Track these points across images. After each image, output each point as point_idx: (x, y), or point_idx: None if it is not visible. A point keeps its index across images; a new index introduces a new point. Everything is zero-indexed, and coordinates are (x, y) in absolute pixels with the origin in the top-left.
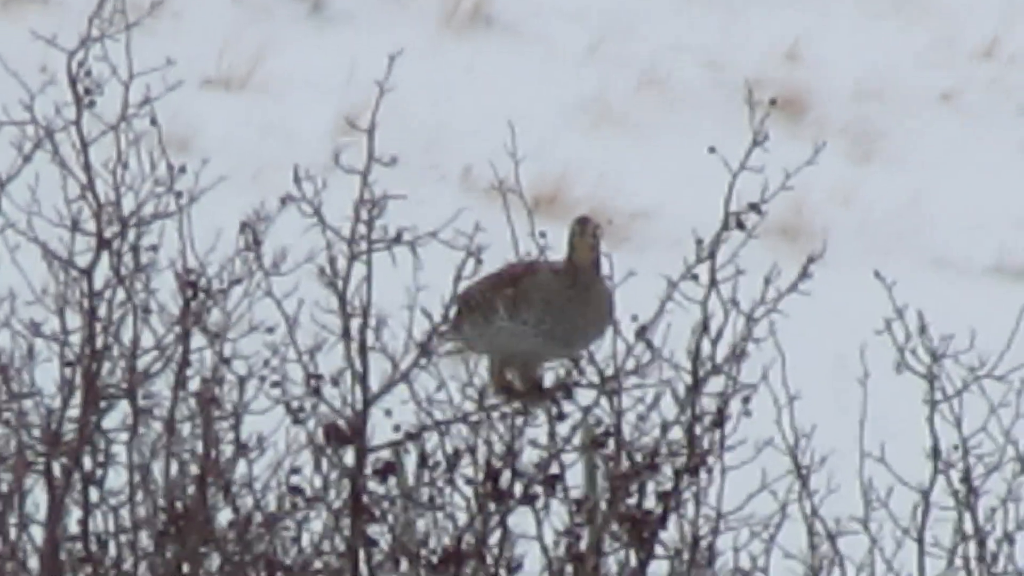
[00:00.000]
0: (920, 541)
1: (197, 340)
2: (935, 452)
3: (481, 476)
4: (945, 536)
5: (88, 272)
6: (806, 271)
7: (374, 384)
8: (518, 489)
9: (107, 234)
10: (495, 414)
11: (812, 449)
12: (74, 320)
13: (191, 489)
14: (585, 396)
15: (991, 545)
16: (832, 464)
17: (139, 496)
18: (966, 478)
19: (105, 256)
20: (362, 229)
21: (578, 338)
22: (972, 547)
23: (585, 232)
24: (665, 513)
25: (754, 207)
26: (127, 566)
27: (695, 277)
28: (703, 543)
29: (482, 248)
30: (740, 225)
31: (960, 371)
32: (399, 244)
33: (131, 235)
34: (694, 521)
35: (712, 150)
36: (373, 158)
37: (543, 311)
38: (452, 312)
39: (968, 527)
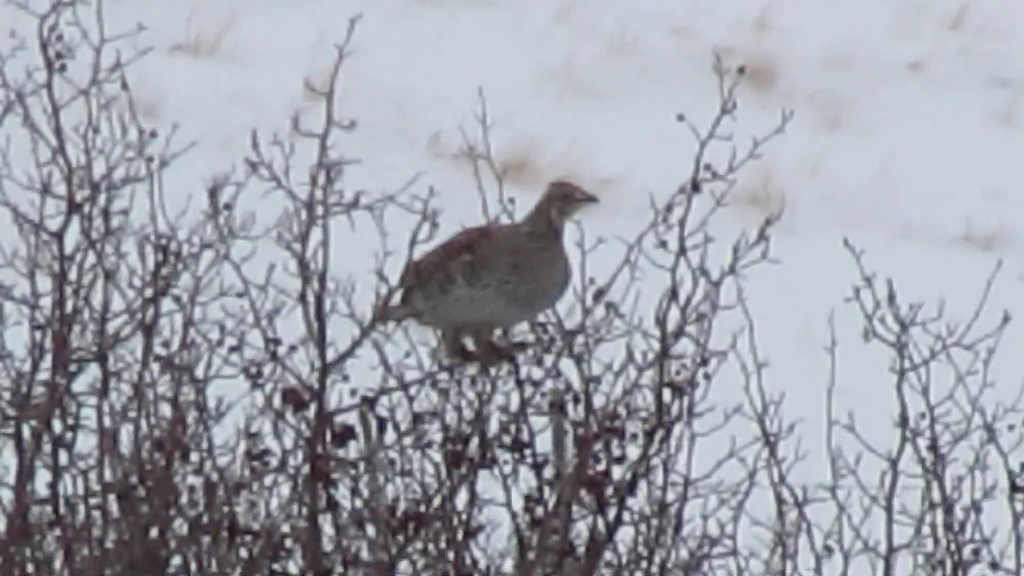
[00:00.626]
0: (888, 509)
1: (167, 304)
2: (903, 420)
3: (445, 441)
4: (913, 504)
5: (59, 236)
6: (763, 233)
7: (341, 349)
8: (482, 453)
9: (78, 198)
10: (462, 378)
11: (780, 417)
12: (45, 284)
13: (156, 454)
14: (552, 361)
15: (958, 513)
16: (800, 432)
17: (107, 460)
18: (933, 446)
19: (76, 220)
20: (319, 194)
21: (541, 298)
22: (939, 515)
23: (575, 198)
24: (634, 479)
25: (709, 169)
26: (96, 530)
27: (663, 244)
28: (671, 510)
29: (438, 212)
30: (696, 187)
31: (928, 340)
32: (356, 208)
33: (102, 199)
34: (662, 487)
35: (681, 118)
36: (332, 122)
37: (509, 271)
38: (400, 287)
39: (936, 495)
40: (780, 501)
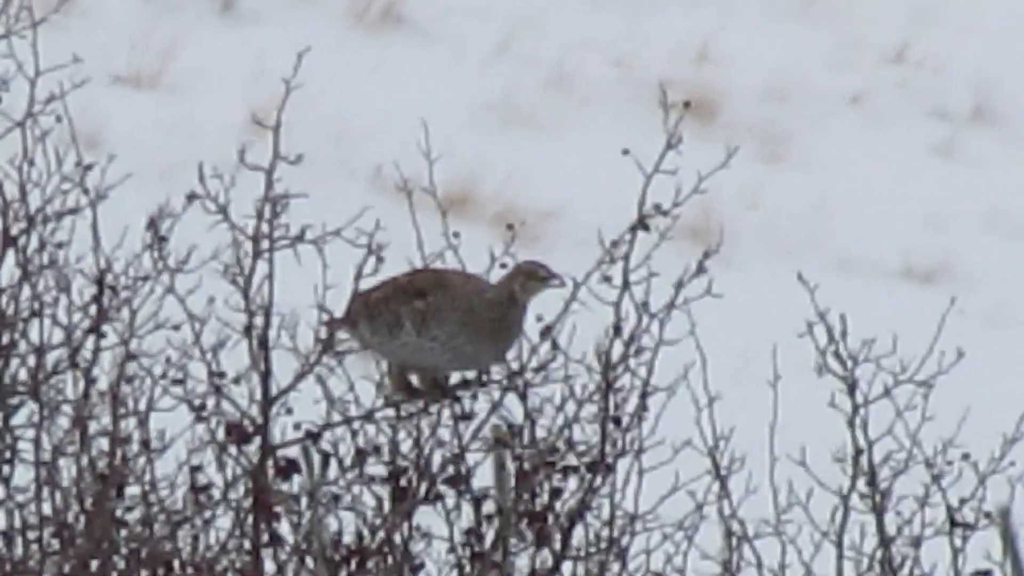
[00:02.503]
0: (839, 544)
1: (106, 337)
2: (856, 456)
3: (388, 476)
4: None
5: None
6: (702, 266)
7: (284, 383)
8: (424, 488)
9: (13, 231)
10: (402, 413)
11: (728, 451)
12: None
13: (95, 487)
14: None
15: (899, 548)
16: (748, 467)
17: (45, 493)
18: (872, 482)
19: (12, 253)
20: (265, 227)
21: (488, 356)
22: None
23: (539, 276)
24: (577, 512)
25: (659, 208)
26: (32, 563)
27: (608, 279)
28: (617, 544)
29: (383, 246)
30: (645, 226)
31: (870, 374)
32: (302, 242)
33: (39, 232)
34: (608, 522)
35: (626, 152)
36: (279, 156)
37: (458, 328)
38: (346, 310)
39: (877, 530)
40: (730, 535)
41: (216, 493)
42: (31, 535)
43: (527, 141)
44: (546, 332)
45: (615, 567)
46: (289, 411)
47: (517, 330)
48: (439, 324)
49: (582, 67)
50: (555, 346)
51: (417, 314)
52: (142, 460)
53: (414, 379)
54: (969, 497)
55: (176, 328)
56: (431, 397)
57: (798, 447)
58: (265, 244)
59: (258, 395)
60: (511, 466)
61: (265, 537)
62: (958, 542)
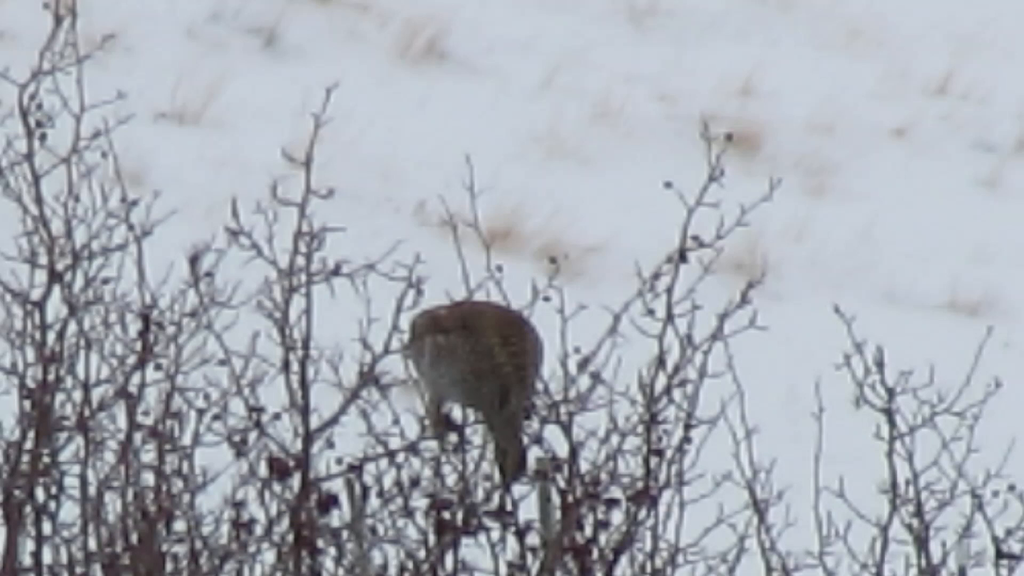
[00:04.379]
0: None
1: (150, 373)
2: (893, 487)
3: (430, 508)
4: (899, 572)
5: (40, 304)
6: (745, 297)
7: (323, 416)
8: (466, 520)
9: (59, 267)
10: (448, 447)
11: (770, 483)
12: (31, 354)
13: (141, 522)
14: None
15: None
16: (788, 499)
17: (91, 529)
18: (918, 512)
19: (58, 289)
20: (301, 261)
21: (487, 406)
22: None
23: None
24: (621, 545)
25: (697, 239)
26: None
27: (651, 312)
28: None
29: (423, 280)
30: (684, 258)
31: (913, 406)
32: (337, 276)
33: (84, 268)
34: (650, 554)
35: (669, 185)
36: (310, 191)
37: (461, 376)
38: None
39: (923, 562)
40: (769, 568)
41: (259, 528)
42: (78, 570)
43: (571, 175)
44: (584, 364)
45: None
46: (331, 445)
47: (528, 382)
48: (450, 364)
49: (627, 101)
50: (597, 378)
51: (434, 348)
52: (186, 496)
53: (451, 412)
54: (1015, 528)
55: (223, 363)
56: (436, 431)
57: (839, 479)
58: (301, 278)
59: (300, 430)
60: (555, 498)
61: (306, 571)
62: (1003, 573)
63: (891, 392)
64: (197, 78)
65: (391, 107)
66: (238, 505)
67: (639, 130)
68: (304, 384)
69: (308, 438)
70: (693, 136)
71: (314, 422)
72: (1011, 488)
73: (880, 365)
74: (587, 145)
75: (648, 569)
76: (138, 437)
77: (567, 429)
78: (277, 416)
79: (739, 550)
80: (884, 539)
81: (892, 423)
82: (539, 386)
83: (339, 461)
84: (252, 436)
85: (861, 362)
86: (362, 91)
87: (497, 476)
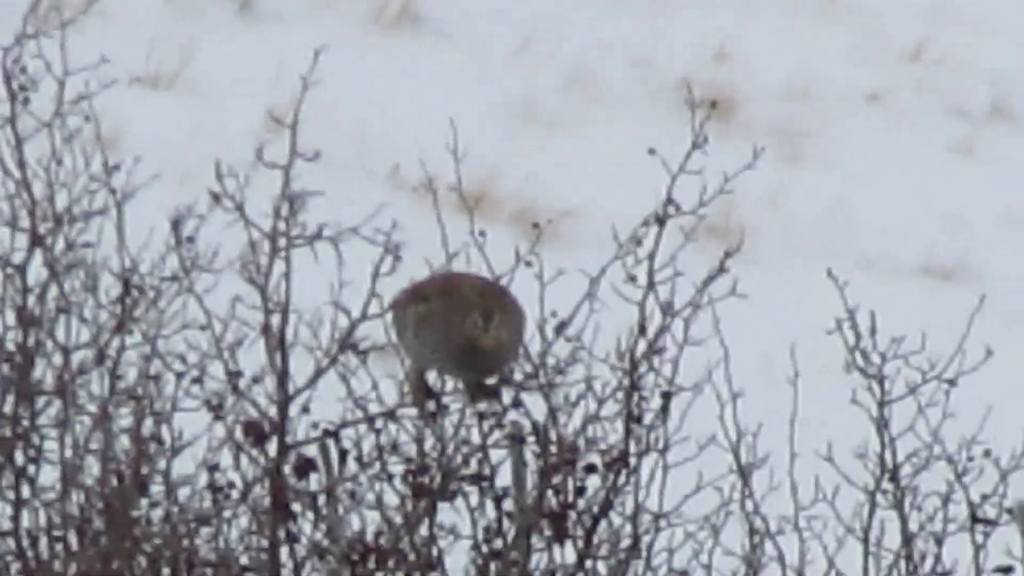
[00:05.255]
0: (865, 541)
1: (131, 337)
2: (882, 452)
3: (407, 473)
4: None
5: (21, 269)
6: (723, 266)
7: (301, 382)
8: (443, 485)
9: (41, 231)
10: (426, 413)
11: (753, 448)
12: (12, 318)
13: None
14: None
15: (920, 545)
16: (771, 463)
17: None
18: (894, 478)
19: (39, 253)
20: (282, 225)
21: (471, 376)
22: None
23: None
24: (601, 511)
25: (671, 202)
26: (58, 563)
27: (633, 279)
28: (641, 542)
29: (400, 245)
30: (660, 221)
31: (894, 371)
32: (319, 240)
33: (65, 232)
34: (633, 519)
35: (652, 152)
36: (296, 154)
37: (441, 344)
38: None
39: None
40: (753, 532)
41: (235, 493)
42: (56, 534)
43: (546, 140)
44: (561, 328)
45: (638, 565)
46: (306, 410)
47: (499, 360)
48: (430, 333)
49: (602, 67)
50: (577, 342)
51: (417, 318)
52: (163, 461)
53: (431, 380)
54: (991, 493)
55: (203, 328)
56: (415, 399)
57: (821, 444)
58: (282, 242)
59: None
60: (528, 464)
61: (283, 535)
62: (979, 538)
63: (882, 357)
64: (172, 43)
65: (366, 72)
66: (213, 469)
67: (614, 96)
68: (283, 348)
69: (285, 402)
70: (668, 102)
71: (293, 387)
72: (987, 454)
73: (873, 331)
74: (562, 111)
75: (629, 534)
76: (116, 401)
77: (546, 395)
78: (255, 380)
79: (723, 515)
80: (871, 504)
81: (882, 388)
82: (520, 354)
83: (315, 426)
84: (230, 400)
85: (840, 328)
86: (337, 56)
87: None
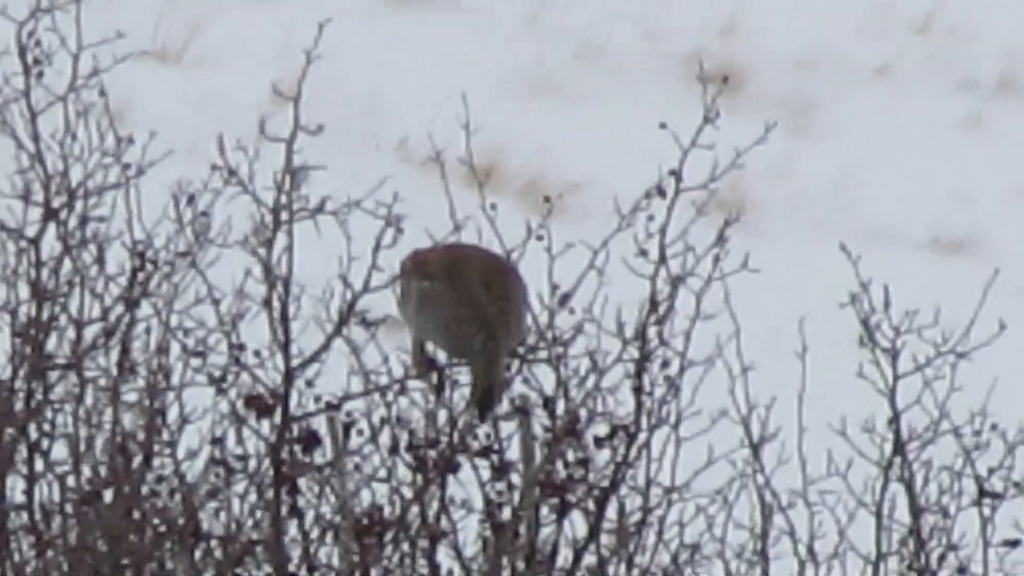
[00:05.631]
0: (878, 515)
1: (144, 311)
2: (896, 425)
3: (411, 446)
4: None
5: (35, 242)
6: (723, 235)
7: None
8: (446, 458)
9: (55, 205)
10: (432, 385)
11: (763, 421)
12: (25, 291)
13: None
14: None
15: (928, 519)
16: (781, 437)
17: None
18: (900, 452)
19: (53, 227)
20: (285, 199)
21: (470, 356)
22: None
23: None
24: (611, 484)
25: (673, 173)
26: (72, 536)
27: (644, 252)
28: (653, 515)
29: (403, 218)
30: (661, 192)
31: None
32: (321, 213)
33: (79, 206)
34: (643, 493)
35: (663, 126)
36: (299, 127)
37: (445, 323)
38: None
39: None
40: (764, 505)
41: (238, 466)
42: (69, 509)
43: (555, 113)
44: (564, 300)
45: (650, 538)
46: (309, 384)
47: (512, 328)
48: (433, 310)
49: (611, 39)
50: (587, 315)
51: (419, 293)
52: (169, 434)
53: (434, 352)
54: (998, 467)
55: (215, 302)
56: (418, 371)
57: (831, 418)
58: (285, 216)
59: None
60: (537, 437)
61: (286, 509)
62: (987, 512)
63: (896, 331)
64: (180, 16)
65: (374, 45)
66: (216, 442)
67: (623, 68)
68: (285, 321)
69: (288, 375)
70: (677, 74)
71: (298, 361)
72: (994, 427)
73: (887, 304)
74: (571, 83)
75: (640, 508)
76: (125, 375)
77: (555, 367)
78: (258, 353)
79: (732, 488)
80: (885, 478)
81: (896, 362)
82: (525, 330)
83: (317, 399)
84: (233, 374)
85: (853, 301)
86: (345, 28)
87: (472, 413)
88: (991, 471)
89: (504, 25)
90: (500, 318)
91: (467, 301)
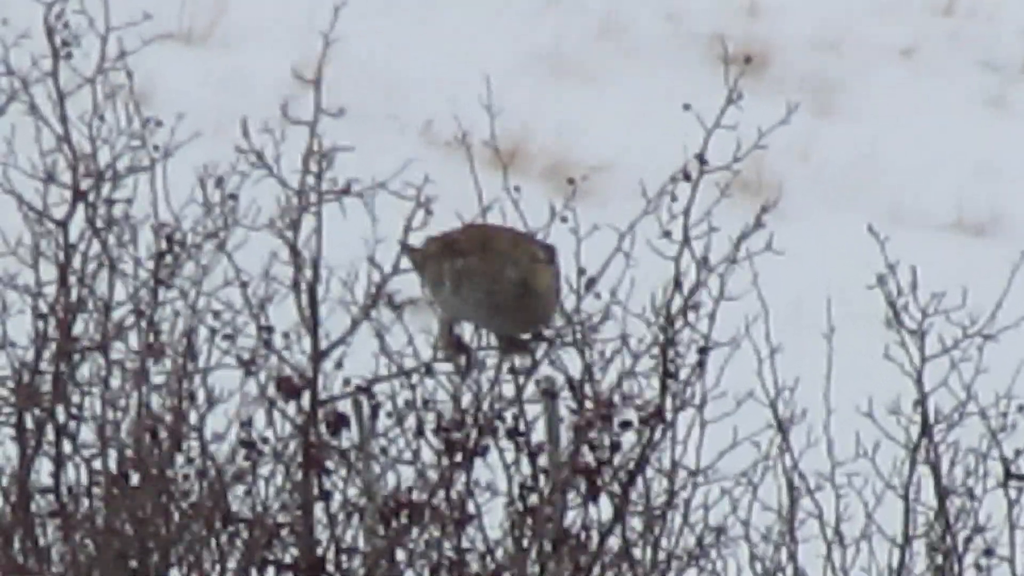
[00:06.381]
0: (906, 498)
1: (170, 293)
2: (923, 408)
3: (438, 428)
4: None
5: (63, 224)
6: (759, 221)
7: (336, 337)
8: (480, 443)
9: (82, 187)
10: (460, 368)
11: (792, 402)
12: (49, 273)
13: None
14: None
15: (955, 501)
16: (808, 419)
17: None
18: (927, 433)
19: (80, 209)
20: (311, 180)
21: (518, 327)
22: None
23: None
24: (636, 467)
25: (698, 156)
26: (99, 519)
27: (668, 234)
28: (678, 498)
29: (432, 199)
30: (687, 176)
31: (930, 326)
32: (348, 195)
33: (106, 188)
34: (669, 475)
35: (687, 107)
36: (321, 109)
37: (485, 298)
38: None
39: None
40: (792, 487)
41: (267, 449)
42: (96, 491)
43: (577, 93)
44: (591, 283)
45: (676, 521)
46: (339, 365)
47: (546, 302)
48: (470, 288)
49: (632, 18)
50: (613, 298)
51: (455, 273)
52: (194, 416)
53: (463, 334)
54: None
55: (244, 285)
56: (447, 353)
57: (858, 399)
58: (312, 198)
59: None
60: (563, 419)
61: (315, 491)
62: (1013, 494)
63: (923, 313)
64: None
65: (395, 26)
66: (245, 424)
67: (644, 48)
68: (313, 303)
69: (317, 357)
70: (699, 54)
71: (326, 343)
72: (1020, 409)
73: (914, 286)
74: (592, 63)
75: (666, 490)
76: (153, 357)
77: (581, 350)
78: (286, 336)
79: (758, 470)
80: (912, 460)
81: (923, 344)
82: (557, 308)
83: (347, 382)
84: (262, 356)
85: (881, 282)
86: (366, 10)
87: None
88: (1018, 453)
89: (525, 5)
90: (546, 281)
91: (507, 274)
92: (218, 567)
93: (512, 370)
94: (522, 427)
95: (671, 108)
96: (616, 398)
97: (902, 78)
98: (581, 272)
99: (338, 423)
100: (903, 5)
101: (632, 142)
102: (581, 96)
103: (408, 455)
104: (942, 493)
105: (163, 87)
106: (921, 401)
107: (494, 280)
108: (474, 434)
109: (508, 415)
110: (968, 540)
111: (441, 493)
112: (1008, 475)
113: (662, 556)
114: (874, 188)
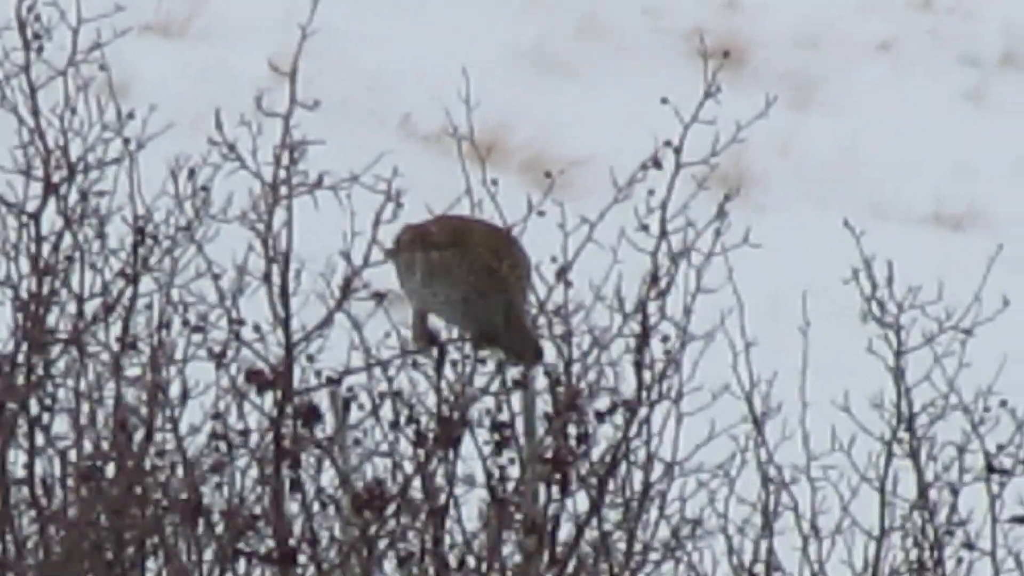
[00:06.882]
0: (882, 491)
1: (145, 286)
2: (899, 402)
3: (409, 420)
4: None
5: (35, 217)
6: (722, 209)
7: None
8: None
9: (55, 179)
10: (434, 360)
11: (767, 396)
12: (25, 266)
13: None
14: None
15: (933, 494)
16: (784, 412)
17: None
18: (910, 428)
19: (53, 202)
20: (283, 174)
21: (488, 323)
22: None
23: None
24: (614, 459)
25: (668, 144)
26: (73, 511)
27: (645, 227)
28: (653, 490)
29: (402, 192)
30: (657, 164)
31: (909, 321)
32: (320, 188)
33: (79, 180)
34: (644, 468)
35: (665, 101)
36: (296, 101)
37: (458, 293)
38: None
39: (914, 476)
40: (767, 481)
41: (240, 441)
42: (70, 483)
43: (557, 89)
44: (561, 273)
45: (652, 513)
46: (310, 358)
47: (516, 298)
48: (443, 282)
49: (613, 15)
50: (591, 288)
51: (427, 265)
52: (167, 408)
53: (436, 327)
54: (1007, 444)
55: (216, 277)
56: (419, 345)
57: (834, 393)
58: (284, 191)
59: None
60: (537, 410)
61: (288, 484)
62: (995, 488)
63: (899, 307)
64: None
65: (377, 20)
66: (216, 417)
67: (625, 43)
68: (285, 295)
69: (289, 349)
70: (679, 50)
71: (299, 336)
72: (1003, 404)
73: (890, 280)
74: (573, 59)
75: (642, 482)
76: (127, 350)
77: (558, 344)
78: (258, 328)
79: (734, 463)
80: (888, 453)
81: (899, 338)
82: (528, 302)
83: (318, 374)
84: (233, 349)
85: (857, 277)
86: (349, 3)
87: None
88: (1000, 448)
89: (507, 1)
90: (517, 283)
91: (481, 270)
92: (193, 558)
93: (481, 362)
94: (499, 418)
95: (650, 102)
96: (587, 388)
97: (881, 73)
98: (553, 260)
99: (309, 415)
100: (882, 1)
101: (611, 136)
102: (562, 91)
103: (384, 447)
104: (923, 486)
105: (141, 79)
106: (898, 395)
107: (468, 284)
108: (448, 426)
109: (483, 406)
110: (948, 533)
111: (416, 484)
112: (990, 469)
113: (638, 548)
114: (853, 182)
